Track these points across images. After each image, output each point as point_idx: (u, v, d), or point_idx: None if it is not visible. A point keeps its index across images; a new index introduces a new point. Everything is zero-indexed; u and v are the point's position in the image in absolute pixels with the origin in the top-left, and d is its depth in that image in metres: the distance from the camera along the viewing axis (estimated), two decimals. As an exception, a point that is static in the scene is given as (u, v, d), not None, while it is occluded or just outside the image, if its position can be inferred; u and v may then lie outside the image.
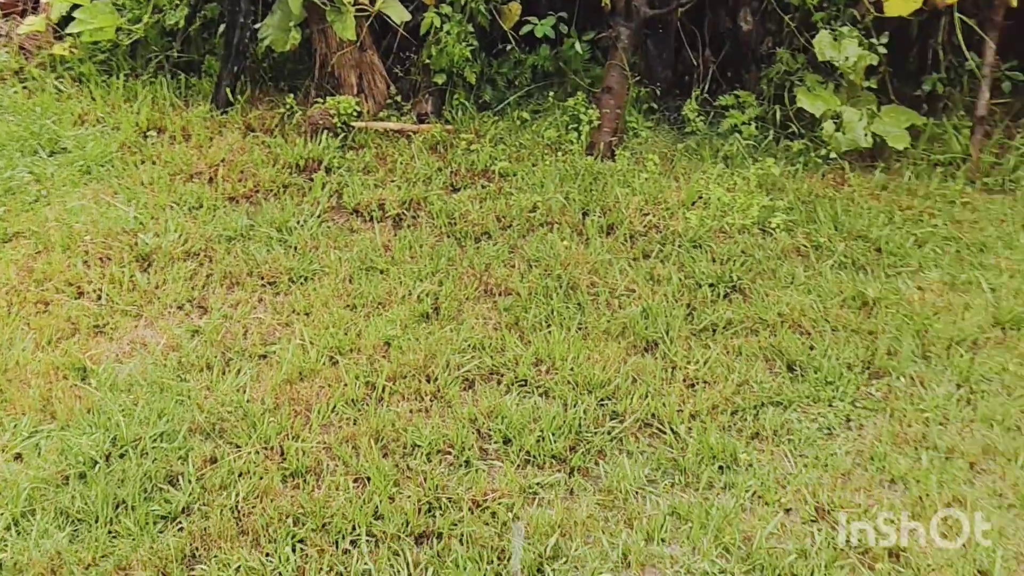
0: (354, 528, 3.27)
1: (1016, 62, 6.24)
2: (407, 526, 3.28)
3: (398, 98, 6.25)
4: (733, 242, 4.99)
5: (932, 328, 4.33)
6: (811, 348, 4.23)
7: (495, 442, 3.71)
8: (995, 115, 6.16)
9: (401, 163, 5.65)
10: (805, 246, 4.98)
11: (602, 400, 3.92)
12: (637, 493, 3.49)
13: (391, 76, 6.33)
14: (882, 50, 5.78)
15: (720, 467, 3.61)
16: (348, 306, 4.44)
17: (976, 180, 5.64)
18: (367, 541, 3.23)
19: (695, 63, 6.27)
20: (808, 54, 5.99)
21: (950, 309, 4.48)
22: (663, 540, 3.30)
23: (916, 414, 3.87)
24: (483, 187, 5.48)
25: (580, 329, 4.34)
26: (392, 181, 5.48)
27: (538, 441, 3.69)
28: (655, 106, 6.28)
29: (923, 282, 4.70)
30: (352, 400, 3.86)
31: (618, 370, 4.06)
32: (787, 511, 3.42)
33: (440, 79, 6.16)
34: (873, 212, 5.27)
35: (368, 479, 3.47)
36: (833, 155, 5.73)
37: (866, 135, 5.73)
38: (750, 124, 5.90)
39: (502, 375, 4.06)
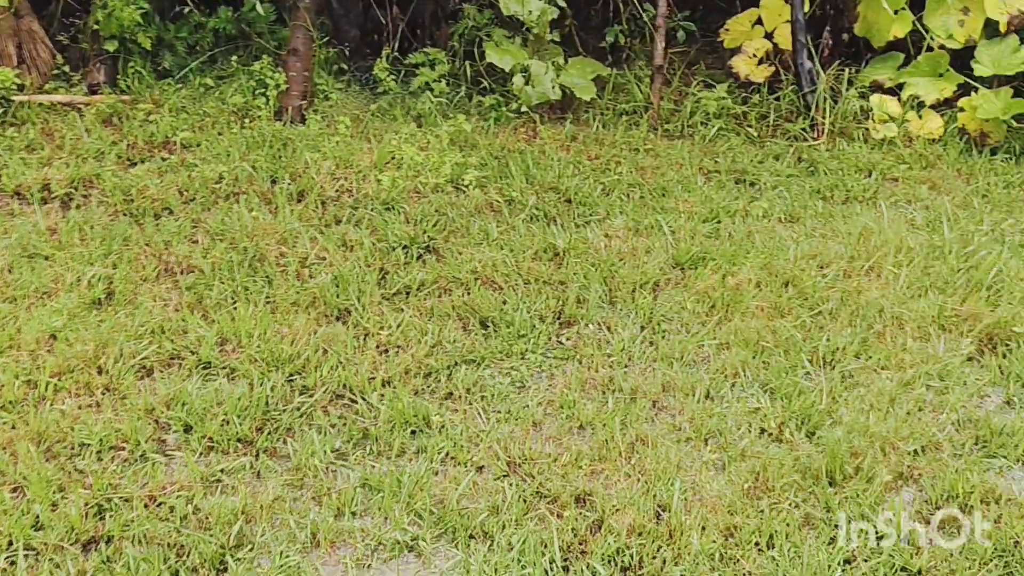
0: (11, 544, 2.96)
1: (689, 12, 6.54)
2: (72, 533, 3.01)
3: (66, 68, 5.77)
4: (427, 202, 4.94)
5: (618, 274, 4.45)
6: (504, 303, 4.24)
7: (175, 432, 3.48)
8: (674, 64, 6.43)
9: (71, 138, 5.22)
10: (498, 201, 5.00)
11: (291, 375, 3.76)
12: (327, 468, 3.37)
13: (56, 44, 5.83)
14: (563, 3, 5.88)
15: (413, 432, 3.55)
16: (6, 299, 4.04)
17: (658, 127, 5.87)
18: (25, 556, 2.94)
19: (384, 21, 6.16)
20: (495, 9, 6.01)
21: (634, 254, 4.62)
22: (354, 514, 3.20)
23: (603, 359, 3.96)
24: (163, 160, 5.15)
25: (268, 303, 4.16)
26: (60, 158, 5.05)
27: (222, 425, 3.49)
28: (345, 67, 6.12)
29: (610, 229, 4.83)
30: (10, 402, 3.50)
31: (308, 342, 3.92)
32: (479, 469, 3.41)
33: (112, 46, 5.73)
34: (563, 163, 5.37)
35: (27, 487, 3.16)
36: (524, 109, 5.79)
37: (554, 87, 5.83)
38: (441, 81, 5.86)
39: (183, 359, 3.82)
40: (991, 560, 3.05)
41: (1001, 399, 3.80)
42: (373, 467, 3.39)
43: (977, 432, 3.59)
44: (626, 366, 3.94)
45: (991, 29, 5.86)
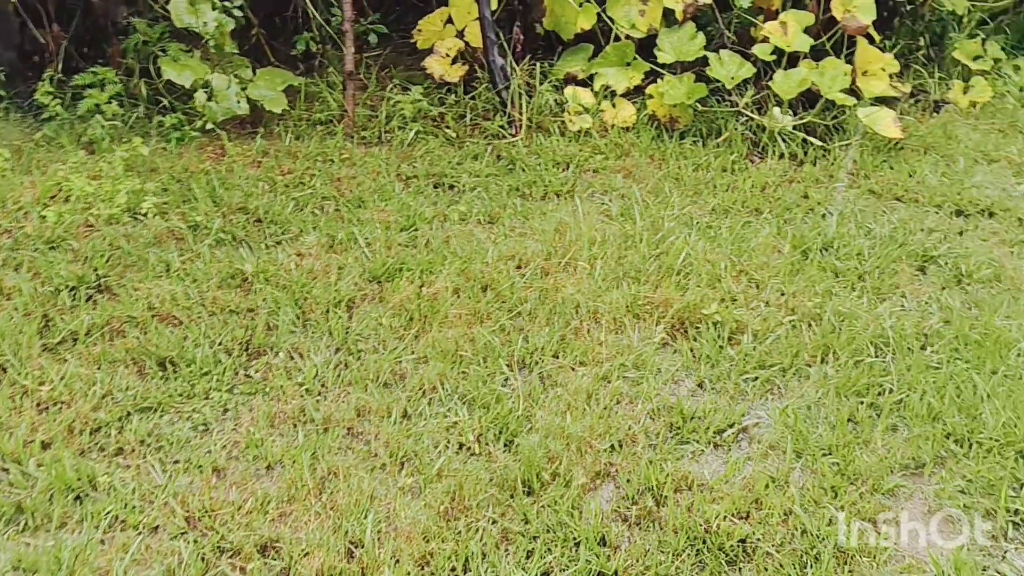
0: None
1: (381, 15, 6.38)
2: None
3: None
4: (99, 236, 4.53)
5: (311, 294, 4.22)
6: (185, 339, 3.91)
7: None
8: (371, 68, 6.26)
9: None
10: (181, 228, 4.65)
11: (-71, 453, 3.31)
12: (-29, 555, 2.97)
13: None
14: (239, 12, 5.56)
15: (77, 498, 3.18)
16: None
17: (354, 135, 5.66)
18: None
19: (44, 40, 5.63)
20: (169, 22, 5.62)
21: (328, 271, 4.39)
22: (2, 604, 2.83)
23: (294, 388, 3.72)
24: None
25: (-95, 370, 3.66)
26: None
27: None
28: (3, 93, 5.56)
29: (302, 247, 4.59)
30: None
31: (-47, 410, 3.47)
32: (154, 530, 3.09)
33: None
34: (252, 181, 5.08)
35: None
36: (210, 126, 5.44)
37: (240, 101, 5.51)
38: (113, 103, 5.43)
39: None
40: (684, 550, 3.05)
41: (693, 383, 3.84)
42: (28, 545, 3.01)
43: (671, 419, 3.60)
44: (319, 394, 3.71)
45: (670, 18, 6.02)
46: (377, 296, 4.26)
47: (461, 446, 3.47)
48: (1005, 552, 3.09)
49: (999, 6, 6.92)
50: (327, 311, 4.13)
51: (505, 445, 3.46)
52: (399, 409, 3.62)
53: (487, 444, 3.46)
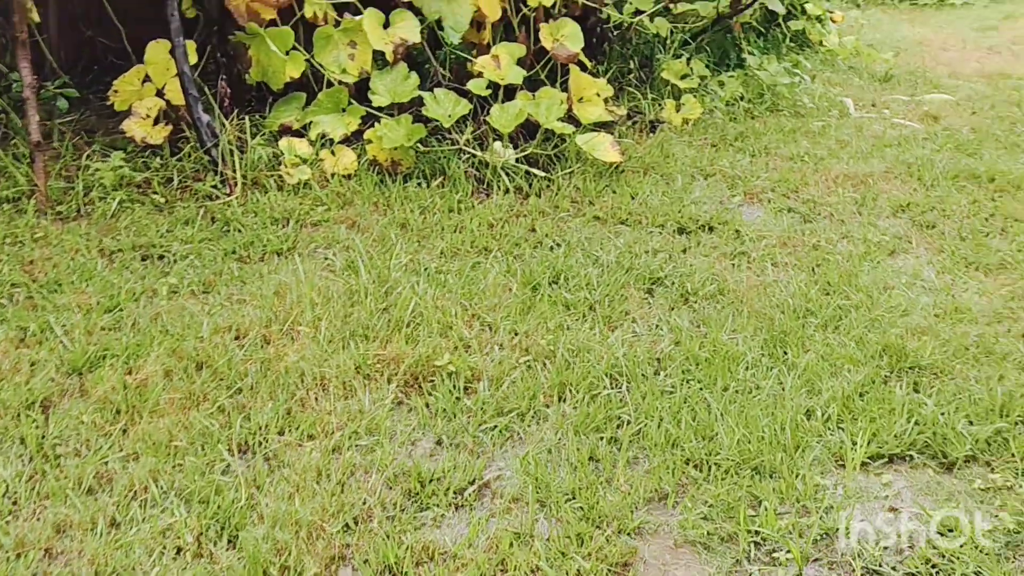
0: None
1: (71, 77, 5.90)
2: None
3: None
4: None
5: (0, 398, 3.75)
6: None
7: None
8: (64, 135, 5.76)
9: None
10: None
11: None
12: None
13: None
14: None
15: None
16: None
17: (47, 211, 5.16)
18: None
19: None
20: None
21: (18, 369, 3.91)
22: None
23: (-20, 512, 3.26)
24: None
25: None
26: None
27: None
28: None
29: (-11, 345, 4.09)
30: None
31: None
32: None
33: None
34: (-75, 276, 4.51)
35: None
36: None
37: (-93, 186, 4.91)
38: None
39: None
40: (428, 632, 2.83)
41: (431, 441, 3.64)
42: None
43: (409, 485, 3.39)
44: (10, 513, 3.25)
45: (381, 60, 5.88)
46: (78, 390, 3.83)
47: (179, 550, 3.11)
48: (750, 575, 3.06)
49: (698, 26, 7.21)
50: (18, 415, 3.67)
51: (229, 542, 3.14)
52: (106, 518, 3.22)
53: (208, 544, 3.13)
